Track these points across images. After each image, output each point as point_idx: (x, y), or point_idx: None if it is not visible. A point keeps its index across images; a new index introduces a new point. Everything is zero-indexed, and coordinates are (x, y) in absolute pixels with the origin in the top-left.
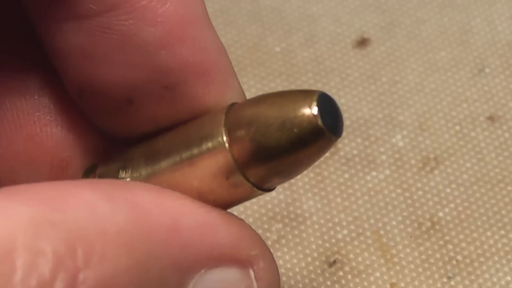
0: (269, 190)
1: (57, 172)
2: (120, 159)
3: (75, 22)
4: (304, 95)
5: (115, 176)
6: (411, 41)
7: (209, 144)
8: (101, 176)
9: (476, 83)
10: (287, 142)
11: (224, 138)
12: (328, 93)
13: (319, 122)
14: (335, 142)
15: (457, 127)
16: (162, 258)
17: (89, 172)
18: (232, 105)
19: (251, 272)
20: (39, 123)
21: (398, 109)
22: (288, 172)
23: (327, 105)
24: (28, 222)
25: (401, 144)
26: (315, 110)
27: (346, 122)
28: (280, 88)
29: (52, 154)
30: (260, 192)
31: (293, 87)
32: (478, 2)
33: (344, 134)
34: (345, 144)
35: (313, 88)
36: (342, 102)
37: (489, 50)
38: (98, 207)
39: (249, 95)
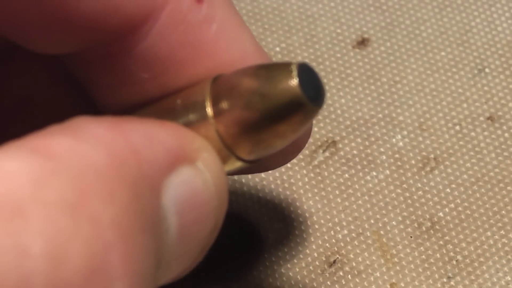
0: (253, 162)
1: None
2: None
3: (126, 88)
4: (285, 66)
5: None
6: (411, 41)
7: (193, 116)
8: None
9: (476, 83)
10: (269, 113)
11: (208, 110)
12: (328, 93)
13: (300, 92)
14: (317, 113)
15: (457, 127)
16: (141, 182)
17: None
18: (218, 76)
19: (200, 165)
20: None
21: (398, 109)
22: (272, 143)
23: (308, 75)
24: (29, 176)
25: (401, 144)
26: (295, 80)
27: (346, 122)
28: None
29: None
30: (244, 164)
31: None
32: (478, 2)
33: (344, 134)
34: (345, 144)
35: None
36: (342, 102)
37: (489, 50)
38: (81, 149)
39: None
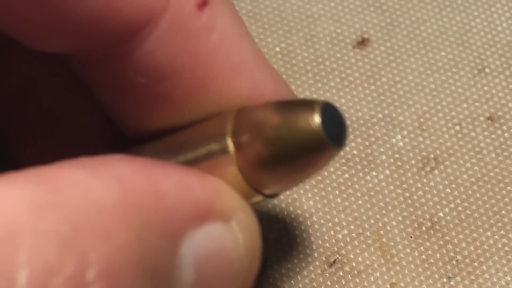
0: (272, 196)
1: None
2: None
3: (124, 92)
4: (308, 104)
5: None
6: (411, 41)
7: (214, 147)
8: None
9: (476, 83)
10: (291, 150)
11: (229, 143)
12: (328, 93)
13: (322, 132)
14: (338, 153)
15: (457, 127)
16: (154, 227)
17: None
18: (240, 109)
19: (234, 224)
20: None
21: (398, 109)
22: (291, 180)
23: (331, 115)
24: (28, 205)
25: (401, 144)
26: (318, 120)
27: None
28: None
29: None
30: (262, 198)
31: (293, 87)
32: (478, 2)
33: None
34: (345, 144)
35: (313, 88)
36: (342, 102)
37: (489, 50)
38: (90, 185)
39: None
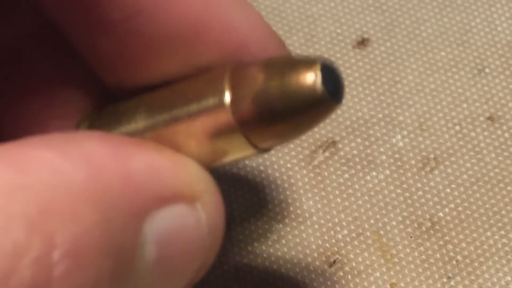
0: (266, 150)
1: None
2: (114, 111)
3: (101, 30)
4: (307, 61)
5: (107, 129)
6: (411, 41)
7: (210, 101)
8: (91, 128)
9: (476, 83)
10: (289, 106)
11: (226, 96)
12: None
13: (321, 89)
14: (336, 109)
15: (457, 127)
16: (120, 208)
17: (81, 124)
18: (238, 64)
19: (199, 206)
20: None
21: (398, 109)
22: (288, 134)
23: (329, 72)
24: None
25: (401, 144)
26: (317, 77)
27: (346, 122)
28: None
29: None
30: (257, 152)
31: None
32: (478, 2)
33: (344, 134)
34: (345, 144)
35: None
36: (342, 102)
37: (489, 50)
38: (58, 165)
39: None
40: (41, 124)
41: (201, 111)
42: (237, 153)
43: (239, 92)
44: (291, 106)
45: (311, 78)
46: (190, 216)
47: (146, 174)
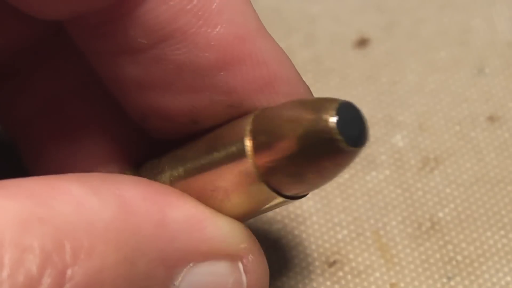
0: (298, 198)
1: None
2: (150, 167)
3: (128, 56)
4: (326, 103)
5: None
6: (411, 41)
7: (232, 150)
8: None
9: (476, 83)
10: (307, 149)
11: (246, 144)
12: (328, 93)
13: (337, 133)
14: (357, 155)
15: (457, 127)
16: (149, 253)
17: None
18: (261, 110)
19: (240, 265)
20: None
21: (398, 109)
22: (310, 180)
23: (350, 115)
24: (15, 217)
25: (401, 144)
26: (333, 121)
27: None
28: None
29: None
30: (286, 200)
31: None
32: (478, 2)
33: None
34: None
35: (313, 88)
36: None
37: (489, 50)
38: (85, 201)
39: None
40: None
41: (226, 160)
42: (265, 202)
43: (260, 139)
44: (308, 150)
45: (327, 121)
46: (230, 276)
47: (186, 225)
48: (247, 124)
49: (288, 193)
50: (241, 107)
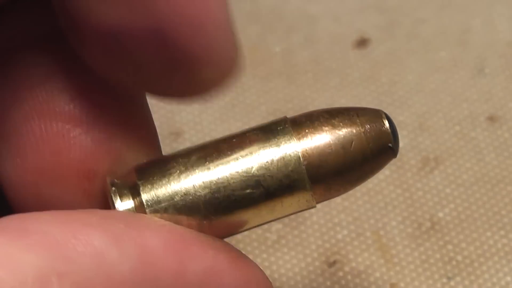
0: (314, 206)
1: (83, 184)
2: (162, 165)
3: None
4: (374, 112)
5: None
6: (411, 41)
7: (293, 193)
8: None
9: (476, 83)
10: (361, 157)
11: (308, 186)
12: (328, 93)
13: (392, 139)
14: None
15: (457, 127)
16: None
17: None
18: (299, 116)
19: None
20: (68, 136)
21: (398, 109)
22: (349, 187)
23: (392, 123)
24: (35, 273)
25: (401, 144)
26: (388, 124)
27: None
28: (280, 88)
29: (80, 166)
30: (310, 207)
31: (293, 87)
32: (478, 2)
33: None
34: None
35: (313, 88)
36: (342, 102)
37: (489, 50)
38: (106, 253)
39: (249, 95)
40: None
41: (281, 196)
42: (295, 211)
43: (309, 144)
44: (361, 157)
45: (383, 127)
46: None
47: (204, 276)
48: (301, 166)
49: (322, 199)
50: (167, 40)
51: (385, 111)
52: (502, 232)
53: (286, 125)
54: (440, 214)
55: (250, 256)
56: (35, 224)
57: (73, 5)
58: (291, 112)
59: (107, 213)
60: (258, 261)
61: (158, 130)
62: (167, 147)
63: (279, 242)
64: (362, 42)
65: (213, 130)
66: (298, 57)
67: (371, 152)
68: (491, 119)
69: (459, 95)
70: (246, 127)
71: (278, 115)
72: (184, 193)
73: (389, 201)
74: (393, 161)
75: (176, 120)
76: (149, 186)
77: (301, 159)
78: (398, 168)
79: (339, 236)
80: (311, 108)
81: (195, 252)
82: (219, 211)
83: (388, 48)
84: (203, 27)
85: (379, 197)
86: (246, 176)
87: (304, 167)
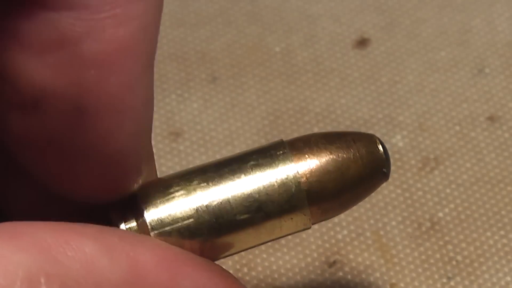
0: (308, 228)
1: None
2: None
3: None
4: (367, 136)
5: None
6: (411, 41)
7: (292, 217)
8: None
9: (476, 83)
10: (358, 181)
11: (308, 211)
12: (328, 93)
13: (385, 160)
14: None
15: (457, 127)
16: None
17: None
18: (294, 140)
19: None
20: None
21: (398, 109)
22: (337, 211)
23: (385, 148)
24: (24, 273)
25: (401, 144)
26: (381, 150)
27: (346, 122)
28: (280, 88)
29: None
30: (305, 228)
31: (293, 87)
32: (478, 2)
33: None
34: None
35: (313, 88)
36: (342, 102)
37: (489, 50)
38: (96, 260)
39: (248, 95)
40: None
41: (281, 223)
42: (293, 232)
43: (309, 170)
44: (356, 180)
45: (377, 151)
46: None
47: None
48: (302, 195)
49: (318, 220)
50: (84, 113)
51: (385, 111)
52: (502, 232)
53: (286, 150)
54: (440, 214)
55: (250, 257)
56: (28, 229)
57: (4, 58)
58: (291, 112)
59: (103, 227)
60: (258, 261)
61: (158, 130)
62: (167, 147)
63: (279, 242)
64: (362, 42)
65: (213, 130)
66: (298, 57)
67: (367, 176)
68: (491, 119)
69: (459, 95)
70: (246, 127)
71: (278, 115)
72: (188, 217)
73: (389, 201)
74: (393, 161)
75: (176, 120)
76: (153, 210)
77: (302, 185)
78: (398, 168)
79: (339, 236)
80: (311, 108)
81: (189, 271)
82: (221, 234)
83: (388, 48)
84: (119, 112)
85: (379, 197)
86: (248, 201)
87: (305, 192)
